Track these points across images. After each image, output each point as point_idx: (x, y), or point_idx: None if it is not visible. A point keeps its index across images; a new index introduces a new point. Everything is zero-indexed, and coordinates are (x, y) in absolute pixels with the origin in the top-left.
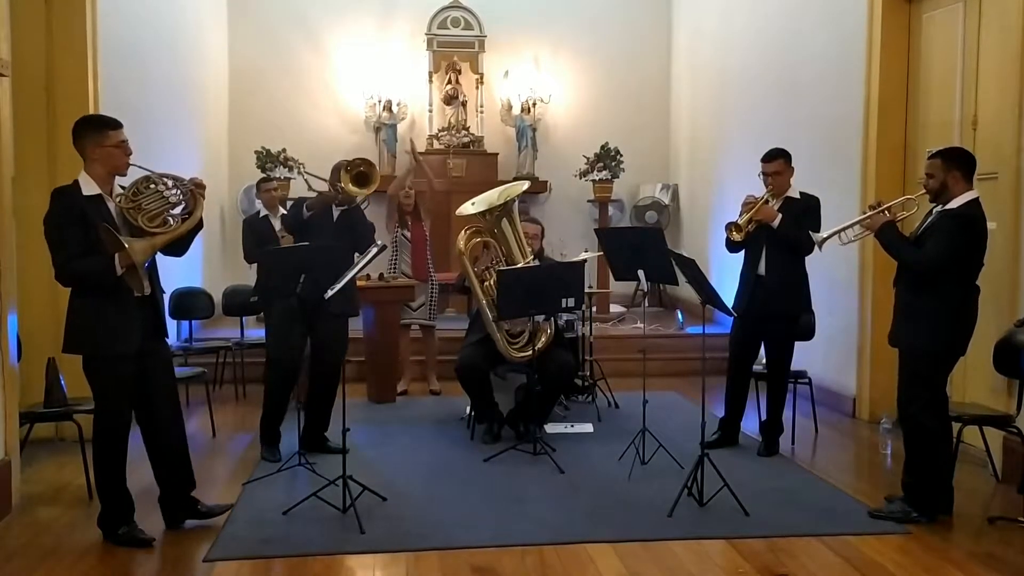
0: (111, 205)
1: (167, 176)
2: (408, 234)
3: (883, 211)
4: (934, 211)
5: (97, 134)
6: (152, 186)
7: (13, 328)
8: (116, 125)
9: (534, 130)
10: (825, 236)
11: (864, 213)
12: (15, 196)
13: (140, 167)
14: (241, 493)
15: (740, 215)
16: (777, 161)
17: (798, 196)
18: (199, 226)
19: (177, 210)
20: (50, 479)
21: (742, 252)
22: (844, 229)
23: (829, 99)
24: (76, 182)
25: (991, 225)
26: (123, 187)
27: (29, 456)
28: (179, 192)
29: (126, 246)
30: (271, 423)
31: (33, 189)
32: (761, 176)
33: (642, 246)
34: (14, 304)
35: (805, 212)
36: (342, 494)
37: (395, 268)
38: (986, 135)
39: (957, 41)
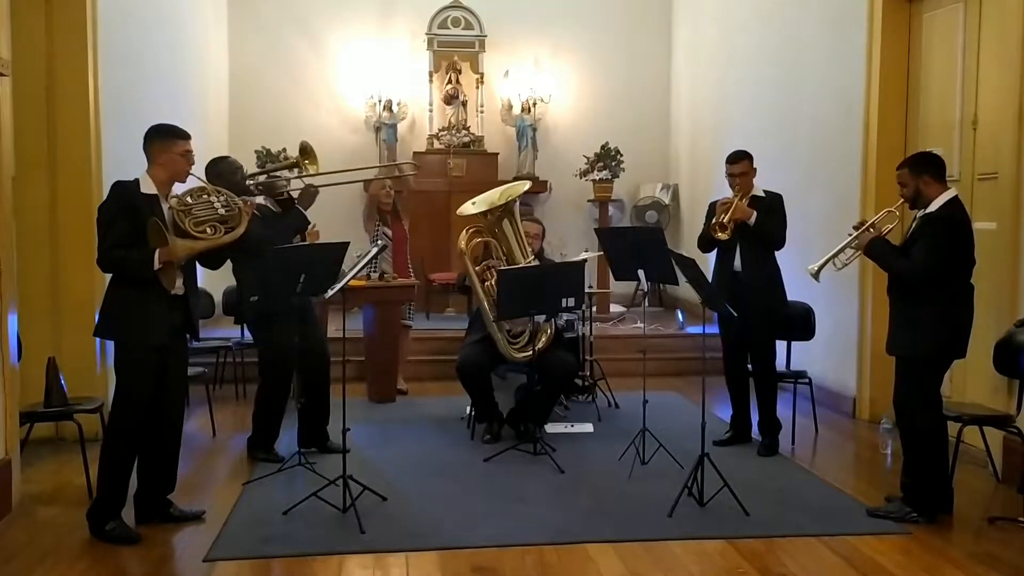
0: (164, 207)
1: (221, 191)
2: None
3: (868, 228)
4: (916, 217)
5: (166, 141)
6: (205, 196)
7: (13, 328)
8: (185, 136)
9: (534, 130)
10: (818, 267)
11: (849, 235)
12: (15, 196)
13: (199, 179)
14: (241, 493)
15: (717, 216)
16: (743, 162)
17: (763, 194)
18: (238, 242)
19: (222, 223)
20: (50, 479)
21: (713, 252)
22: (835, 256)
23: (829, 99)
24: (136, 180)
25: (991, 225)
26: (178, 195)
27: (29, 456)
28: (227, 208)
29: (170, 242)
30: (270, 430)
31: (33, 189)
32: (728, 178)
33: (642, 246)
34: (14, 304)
35: (771, 209)
36: (342, 494)
37: (375, 267)
38: (986, 135)
39: (957, 41)
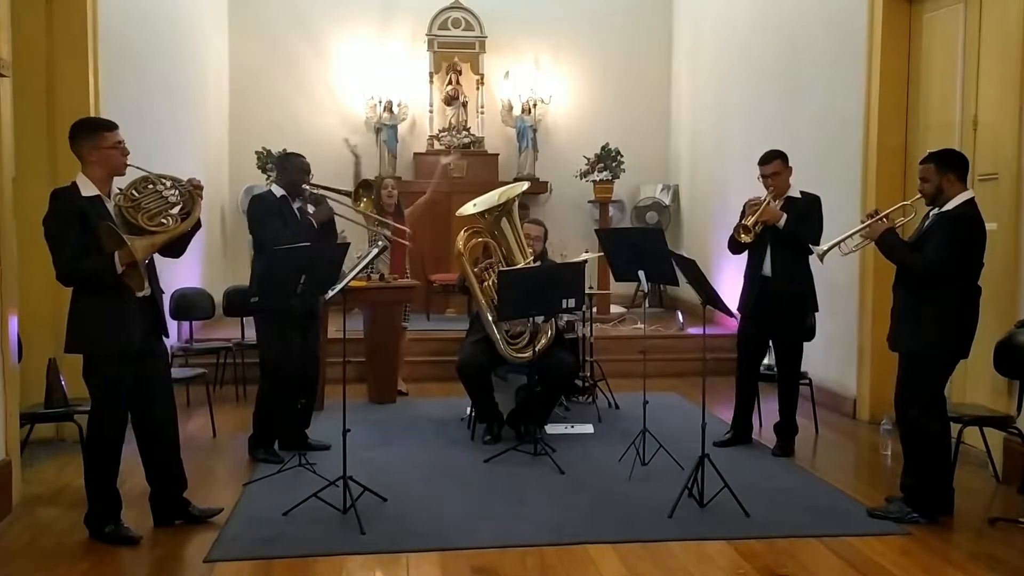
0: (110, 205)
1: (165, 177)
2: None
3: (881, 219)
4: (931, 214)
5: (93, 136)
6: (151, 186)
7: (13, 328)
8: (112, 127)
9: (535, 131)
10: (825, 248)
11: (862, 222)
12: (15, 196)
13: (137, 168)
14: (241, 493)
15: (745, 217)
16: (775, 162)
17: (799, 195)
18: (197, 226)
19: (175, 210)
20: (50, 480)
21: (744, 253)
22: (844, 240)
23: (830, 99)
24: (74, 183)
25: (991, 225)
26: (120, 188)
27: (29, 456)
28: (177, 192)
29: (128, 243)
30: (269, 430)
31: (33, 189)
32: (760, 179)
33: (642, 247)
34: (14, 304)
35: (807, 211)
36: (342, 494)
37: (373, 268)
38: (987, 136)
39: (958, 41)
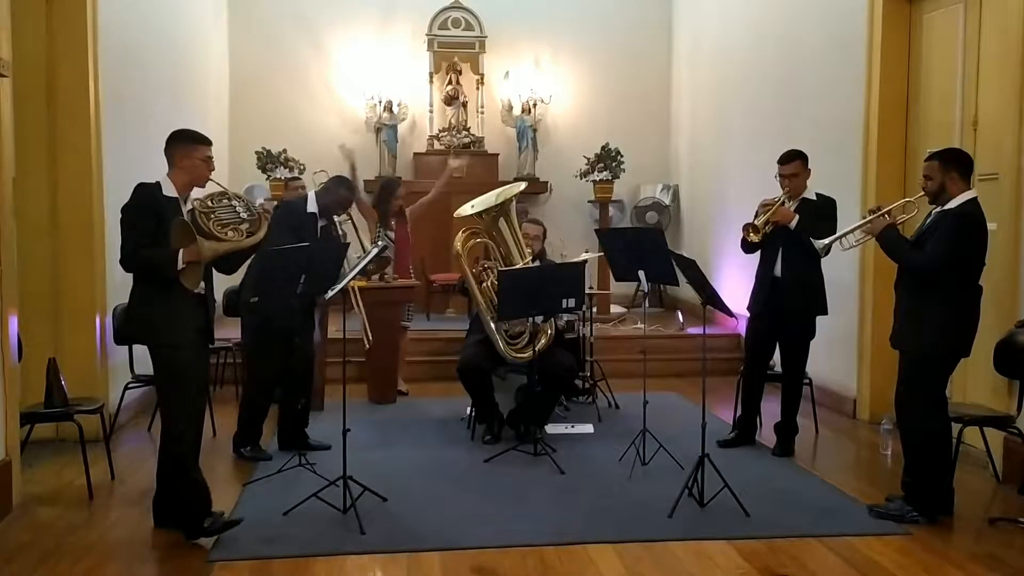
0: (185, 209)
1: (240, 197)
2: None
3: (883, 215)
4: (933, 212)
5: (189, 146)
6: (226, 200)
7: (13, 328)
8: (207, 142)
9: (534, 131)
10: (826, 243)
11: (864, 218)
12: (15, 196)
13: (217, 183)
14: (242, 493)
15: (756, 216)
16: (794, 163)
17: (815, 197)
18: (255, 248)
19: (244, 226)
20: (50, 479)
21: (758, 252)
22: (845, 235)
23: (830, 99)
24: (159, 182)
25: (991, 225)
26: (198, 199)
27: (29, 456)
28: (248, 212)
29: (197, 239)
30: (253, 427)
31: (33, 189)
32: (778, 178)
33: (642, 247)
34: (14, 304)
35: (822, 213)
36: (342, 494)
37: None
38: (986, 135)
39: (957, 42)
